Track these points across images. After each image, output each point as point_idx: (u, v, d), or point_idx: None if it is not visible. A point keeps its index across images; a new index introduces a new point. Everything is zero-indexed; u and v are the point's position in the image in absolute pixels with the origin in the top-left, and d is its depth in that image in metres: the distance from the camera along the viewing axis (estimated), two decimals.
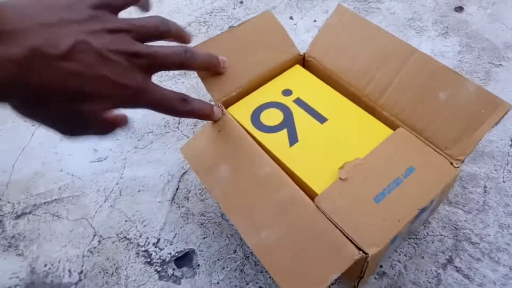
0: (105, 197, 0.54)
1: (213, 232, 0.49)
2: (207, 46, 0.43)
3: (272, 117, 0.42)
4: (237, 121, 0.41)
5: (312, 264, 0.31)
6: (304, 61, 0.49)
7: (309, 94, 0.44)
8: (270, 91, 0.45)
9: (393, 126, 0.40)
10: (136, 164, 0.57)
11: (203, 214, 0.51)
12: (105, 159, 0.58)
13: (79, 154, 0.58)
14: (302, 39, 0.73)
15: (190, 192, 0.54)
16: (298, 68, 0.48)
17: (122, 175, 0.56)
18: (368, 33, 0.43)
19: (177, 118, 0.62)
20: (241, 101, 0.44)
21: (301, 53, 0.48)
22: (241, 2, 0.81)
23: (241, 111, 0.43)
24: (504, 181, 0.54)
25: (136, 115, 0.63)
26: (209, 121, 0.42)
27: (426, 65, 0.39)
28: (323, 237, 0.32)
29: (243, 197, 0.37)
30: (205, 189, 0.53)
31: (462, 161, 0.36)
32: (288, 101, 0.44)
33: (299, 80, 0.46)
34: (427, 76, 0.39)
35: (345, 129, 0.41)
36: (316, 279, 0.31)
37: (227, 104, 0.44)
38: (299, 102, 0.44)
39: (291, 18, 0.78)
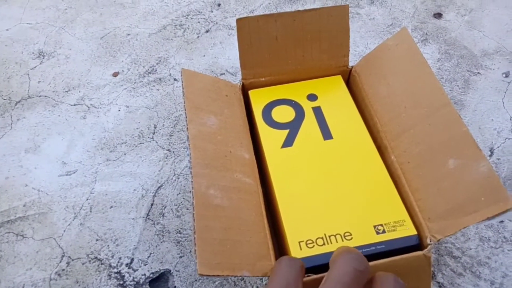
0: (75, 214, 0.50)
1: (190, 251, 0.47)
2: (264, 21, 0.41)
3: (283, 114, 0.42)
4: (251, 105, 0.42)
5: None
6: (349, 74, 0.47)
7: (332, 108, 0.42)
8: (298, 90, 0.44)
9: (393, 174, 0.38)
10: (108, 178, 0.54)
11: (179, 231, 0.49)
12: (74, 172, 0.54)
13: (46, 167, 0.55)
14: None
15: (165, 207, 0.51)
16: (338, 79, 0.46)
17: (92, 189, 0.53)
18: (416, 67, 0.41)
19: (151, 127, 0.59)
20: (265, 89, 0.44)
21: (349, 66, 0.47)
22: (219, 5, 0.79)
23: (259, 98, 0.43)
24: None
25: (108, 124, 0.59)
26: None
27: (451, 124, 0.36)
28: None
29: (214, 160, 0.35)
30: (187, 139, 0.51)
31: (438, 240, 0.32)
32: (308, 105, 0.43)
33: (332, 91, 0.44)
34: (447, 136, 0.35)
35: (342, 155, 0.39)
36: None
37: (253, 86, 0.43)
38: (317, 110, 0.42)
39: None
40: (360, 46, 0.71)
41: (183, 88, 0.38)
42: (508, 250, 0.50)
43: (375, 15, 0.77)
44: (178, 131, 0.59)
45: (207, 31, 0.74)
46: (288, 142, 0.39)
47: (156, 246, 0.48)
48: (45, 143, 0.57)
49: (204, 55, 0.69)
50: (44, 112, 0.61)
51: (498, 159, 0.57)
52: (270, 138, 0.39)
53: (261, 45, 0.42)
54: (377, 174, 0.37)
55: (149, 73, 0.66)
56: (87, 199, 0.52)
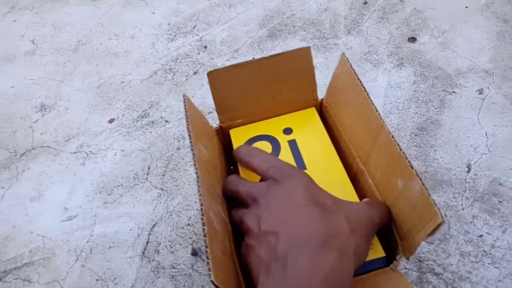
0: (76, 256, 0.54)
1: (184, 285, 0.50)
2: (233, 71, 0.44)
3: (261, 148, 0.44)
4: (232, 143, 0.45)
5: None
6: (321, 105, 0.51)
7: (306, 140, 0.45)
8: (274, 125, 0.47)
9: (372, 196, 0.41)
10: (106, 220, 0.57)
11: (173, 266, 0.52)
12: (75, 217, 0.58)
13: (49, 214, 0.59)
14: None
15: (160, 244, 0.54)
16: (312, 112, 0.48)
17: (92, 232, 0.56)
18: (356, 94, 0.44)
19: (145, 169, 0.63)
20: (244, 127, 0.47)
21: (319, 98, 0.50)
22: (205, 47, 0.84)
23: (239, 136, 0.46)
24: (463, 208, 0.56)
25: (105, 169, 0.64)
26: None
27: (388, 148, 0.39)
28: None
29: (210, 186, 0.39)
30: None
31: (407, 258, 0.35)
32: (283, 139, 0.45)
33: (306, 123, 0.47)
34: (390, 159, 0.38)
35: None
36: None
37: (231, 127, 0.46)
38: (292, 143, 0.45)
39: (253, 59, 0.80)
40: None
41: (186, 111, 0.41)
42: (488, 263, 0.51)
43: (352, 44, 0.82)
44: (170, 170, 0.63)
45: (195, 73, 0.79)
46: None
47: (152, 282, 0.51)
48: (48, 191, 0.62)
49: (193, 96, 0.74)
50: (46, 161, 0.66)
51: (476, 174, 0.59)
52: (249, 172, 0.42)
53: (233, 91, 0.46)
54: (348, 197, 0.40)
55: (142, 117, 0.71)
56: (87, 242, 0.55)
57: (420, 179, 0.33)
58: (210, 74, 0.45)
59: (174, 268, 0.52)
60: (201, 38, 0.87)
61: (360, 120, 0.43)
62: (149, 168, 0.63)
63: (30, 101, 0.77)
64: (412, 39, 0.81)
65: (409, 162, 0.34)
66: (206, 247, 0.30)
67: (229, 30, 0.88)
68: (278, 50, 0.82)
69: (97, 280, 0.52)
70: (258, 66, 0.46)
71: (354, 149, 0.44)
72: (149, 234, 0.56)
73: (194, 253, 0.53)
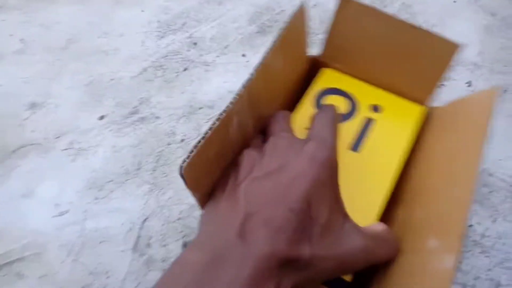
0: (68, 251, 0.54)
1: None
2: (372, 13, 0.38)
3: (336, 104, 0.37)
4: (315, 81, 0.39)
5: None
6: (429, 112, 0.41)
7: (385, 130, 0.37)
8: (368, 93, 0.39)
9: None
10: (97, 215, 0.58)
11: (165, 260, 0.52)
12: (66, 212, 0.58)
13: (41, 210, 0.59)
14: None
15: (151, 238, 0.55)
16: (416, 110, 0.40)
17: (83, 227, 0.56)
18: (473, 133, 0.31)
19: (136, 164, 0.64)
20: (339, 74, 0.40)
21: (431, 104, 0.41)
22: (195, 44, 0.85)
23: (327, 79, 0.40)
24: None
25: (96, 165, 0.64)
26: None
27: (455, 207, 0.27)
28: None
29: None
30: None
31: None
32: (364, 111, 0.38)
33: (400, 115, 0.38)
34: (445, 216, 0.28)
35: (354, 169, 0.33)
36: None
37: (325, 65, 0.41)
38: (368, 122, 0.37)
39: (243, 55, 0.81)
40: None
41: (291, 18, 0.38)
42: (478, 253, 0.52)
43: None
44: (160, 166, 0.63)
45: (184, 70, 0.79)
46: None
47: (144, 275, 0.51)
48: (39, 188, 0.62)
49: (183, 92, 0.74)
50: (37, 159, 0.66)
51: None
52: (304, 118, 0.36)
53: (357, 33, 0.39)
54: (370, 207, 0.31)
55: (133, 113, 0.71)
56: (79, 236, 0.55)
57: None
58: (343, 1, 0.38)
59: (166, 262, 0.52)
60: (190, 35, 0.87)
61: (451, 162, 0.32)
62: (139, 164, 0.64)
63: (20, 99, 0.77)
64: None
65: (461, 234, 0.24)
66: (203, 138, 0.25)
67: (218, 27, 0.88)
68: (268, 45, 0.82)
69: (89, 274, 0.52)
70: (401, 29, 0.38)
71: (415, 175, 0.35)
72: (141, 228, 0.56)
73: (186, 246, 0.54)
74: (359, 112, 0.38)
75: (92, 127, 0.70)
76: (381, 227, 0.28)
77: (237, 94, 0.29)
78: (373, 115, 0.38)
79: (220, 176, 0.29)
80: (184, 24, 0.90)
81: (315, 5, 0.91)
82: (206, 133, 0.27)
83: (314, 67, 0.42)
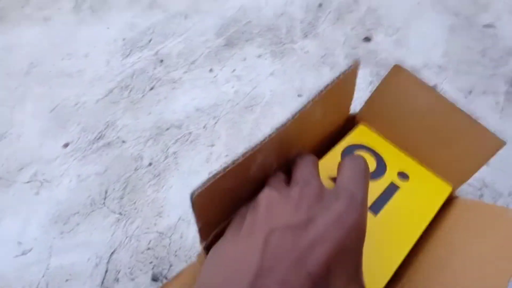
0: None
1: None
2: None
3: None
4: (349, 134, 0.38)
5: None
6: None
7: (408, 199, 0.36)
8: (399, 160, 0.37)
9: None
10: (63, 251, 0.55)
11: None
12: (30, 250, 0.56)
13: (2, 250, 0.57)
14: (223, 90, 0.75)
15: (119, 272, 0.53)
16: (444, 188, 0.38)
17: (48, 265, 0.54)
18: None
19: (102, 193, 0.62)
20: (375, 134, 0.39)
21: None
22: (161, 61, 0.83)
23: (361, 134, 0.39)
24: None
25: (61, 196, 0.62)
26: None
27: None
28: None
29: None
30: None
31: None
32: (391, 176, 0.36)
33: (428, 188, 0.37)
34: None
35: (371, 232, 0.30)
36: None
37: (363, 120, 0.40)
38: (392, 187, 0.36)
39: (210, 70, 0.79)
40: (296, 81, 0.75)
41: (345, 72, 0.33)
42: None
43: (309, 48, 0.81)
44: (128, 193, 0.61)
45: (151, 89, 0.77)
46: None
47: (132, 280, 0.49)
48: (1, 226, 0.59)
49: (149, 113, 0.73)
50: None
51: None
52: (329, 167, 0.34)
53: (408, 100, 0.39)
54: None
55: (98, 138, 0.69)
56: (43, 276, 0.53)
57: None
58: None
59: None
60: (157, 52, 0.85)
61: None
62: (106, 192, 0.61)
63: None
64: (367, 39, 0.82)
65: None
66: (223, 170, 0.24)
67: (185, 42, 0.86)
68: (235, 59, 0.81)
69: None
70: (447, 109, 0.37)
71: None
72: (108, 262, 0.54)
73: (155, 278, 0.52)
74: (386, 174, 0.37)
75: (56, 156, 0.68)
76: None
77: (268, 135, 0.28)
78: (400, 182, 0.37)
79: (234, 215, 0.27)
80: (150, 40, 0.88)
81: (282, 14, 0.90)
82: (227, 166, 0.25)
83: (350, 123, 0.42)
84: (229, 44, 0.85)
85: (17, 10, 1.00)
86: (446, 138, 0.39)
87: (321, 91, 0.33)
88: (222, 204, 0.30)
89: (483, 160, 0.38)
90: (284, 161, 0.35)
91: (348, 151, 0.37)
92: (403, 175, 0.37)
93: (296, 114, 0.30)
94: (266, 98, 0.72)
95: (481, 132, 0.37)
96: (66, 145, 0.69)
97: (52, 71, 0.84)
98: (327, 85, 0.33)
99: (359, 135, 0.40)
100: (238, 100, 0.72)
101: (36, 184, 0.64)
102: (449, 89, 0.70)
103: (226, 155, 0.64)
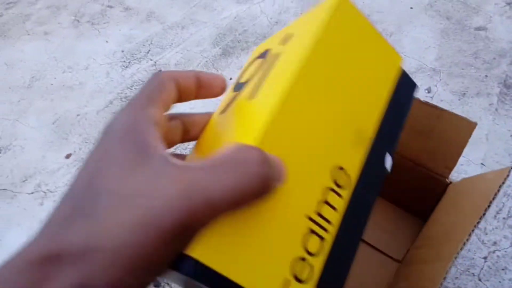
0: None
1: None
2: None
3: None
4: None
5: None
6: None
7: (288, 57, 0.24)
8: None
9: None
10: None
11: None
12: None
13: None
14: (221, 98, 0.76)
15: None
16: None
17: None
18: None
19: None
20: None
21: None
22: (160, 71, 0.84)
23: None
24: None
25: None
26: None
27: None
28: None
29: None
30: None
31: None
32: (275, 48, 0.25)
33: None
34: None
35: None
36: None
37: None
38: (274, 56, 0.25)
39: None
40: None
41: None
42: None
43: None
44: None
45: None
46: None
47: None
48: (7, 236, 0.61)
49: None
50: (3, 205, 0.65)
51: None
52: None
53: None
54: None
55: None
56: None
57: None
58: None
59: None
60: (155, 62, 0.87)
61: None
62: None
63: None
64: None
65: None
66: None
67: (182, 52, 0.88)
68: (232, 68, 0.83)
69: None
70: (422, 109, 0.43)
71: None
72: None
73: (157, 284, 0.53)
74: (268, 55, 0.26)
75: (60, 167, 0.69)
76: (231, 148, 0.18)
77: None
78: (282, 49, 0.25)
79: None
80: (148, 51, 0.90)
81: (276, 22, 0.91)
82: None
83: None
84: (226, 53, 0.86)
85: (19, 25, 1.02)
86: (420, 130, 0.43)
87: None
88: None
89: (463, 144, 0.41)
90: None
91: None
92: (286, 40, 0.25)
93: None
94: None
95: (453, 119, 0.41)
96: (68, 156, 0.71)
97: (54, 84, 0.86)
98: None
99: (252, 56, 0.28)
100: None
101: (40, 194, 0.65)
102: (443, 91, 0.71)
103: None
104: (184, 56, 0.87)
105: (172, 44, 0.90)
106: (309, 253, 0.20)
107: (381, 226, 0.52)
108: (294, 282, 0.19)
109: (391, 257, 0.49)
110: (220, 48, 0.88)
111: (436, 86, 0.73)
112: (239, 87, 0.26)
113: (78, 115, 0.78)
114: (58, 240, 0.16)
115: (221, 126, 0.23)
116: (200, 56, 0.87)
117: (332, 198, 0.21)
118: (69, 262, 0.16)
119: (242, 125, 0.22)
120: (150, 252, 0.16)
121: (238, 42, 0.88)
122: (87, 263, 0.16)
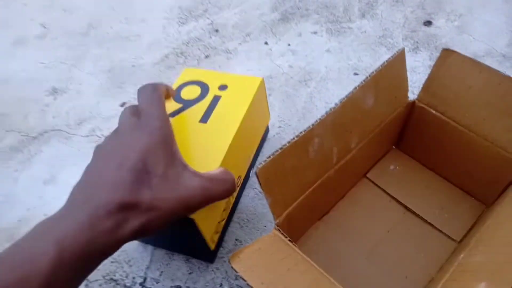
0: None
1: (199, 267, 0.50)
2: None
3: (191, 92, 0.47)
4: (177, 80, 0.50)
5: None
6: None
7: (230, 101, 0.46)
8: (219, 78, 0.51)
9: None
10: None
11: None
12: None
13: (63, 196, 0.59)
14: (277, 63, 0.75)
15: None
16: (255, 81, 0.50)
17: None
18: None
19: None
20: (197, 70, 0.54)
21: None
22: (216, 31, 0.83)
23: (189, 75, 0.52)
24: None
25: None
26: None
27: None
28: None
29: None
30: None
31: None
32: (214, 91, 0.47)
33: (242, 88, 0.48)
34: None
35: (195, 131, 0.43)
36: None
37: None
38: (216, 98, 0.46)
39: (266, 43, 0.79)
40: (353, 59, 0.74)
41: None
42: None
43: (366, 28, 0.80)
44: None
45: (206, 57, 0.78)
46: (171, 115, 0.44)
47: (167, 264, 0.51)
48: (61, 174, 0.62)
49: None
50: (59, 145, 0.66)
51: None
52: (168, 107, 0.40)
53: (455, 86, 0.46)
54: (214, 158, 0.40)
55: None
56: None
57: None
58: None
59: None
60: (212, 21, 0.86)
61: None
62: None
63: (41, 84, 0.77)
64: (428, 23, 0.80)
65: None
66: (280, 149, 0.32)
67: (241, 14, 0.87)
68: (291, 34, 0.81)
69: (112, 262, 0.52)
70: (503, 82, 0.43)
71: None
72: None
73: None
74: (209, 92, 0.47)
75: (114, 114, 0.70)
76: (218, 170, 0.35)
77: (319, 119, 0.34)
78: (221, 92, 0.47)
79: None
80: (205, 10, 0.89)
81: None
82: (284, 145, 0.32)
83: (411, 110, 0.48)
84: (284, 19, 0.84)
85: None
86: (504, 109, 0.42)
87: (367, 78, 0.39)
88: (286, 183, 0.37)
89: None
90: (344, 150, 0.41)
91: (178, 90, 0.48)
92: (222, 87, 0.47)
93: (343, 99, 0.37)
94: (321, 74, 0.71)
95: None
96: (123, 104, 0.71)
97: (110, 34, 0.86)
98: (372, 72, 0.39)
99: (185, 76, 0.50)
100: (293, 74, 0.72)
101: (94, 138, 0.66)
102: None
103: (279, 126, 0.64)
104: (242, 18, 0.85)
105: (230, 5, 0.89)
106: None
107: (441, 206, 0.51)
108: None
109: (450, 237, 0.48)
110: (279, 13, 0.85)
111: (505, 72, 0.69)
112: (182, 101, 0.46)
113: (133, 65, 0.78)
114: (133, 195, 0.29)
115: (193, 139, 0.41)
116: (258, 19, 0.85)
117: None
118: (141, 211, 0.29)
119: (210, 147, 0.40)
120: (179, 214, 0.32)
121: (298, 9, 0.86)
122: (150, 215, 0.29)
